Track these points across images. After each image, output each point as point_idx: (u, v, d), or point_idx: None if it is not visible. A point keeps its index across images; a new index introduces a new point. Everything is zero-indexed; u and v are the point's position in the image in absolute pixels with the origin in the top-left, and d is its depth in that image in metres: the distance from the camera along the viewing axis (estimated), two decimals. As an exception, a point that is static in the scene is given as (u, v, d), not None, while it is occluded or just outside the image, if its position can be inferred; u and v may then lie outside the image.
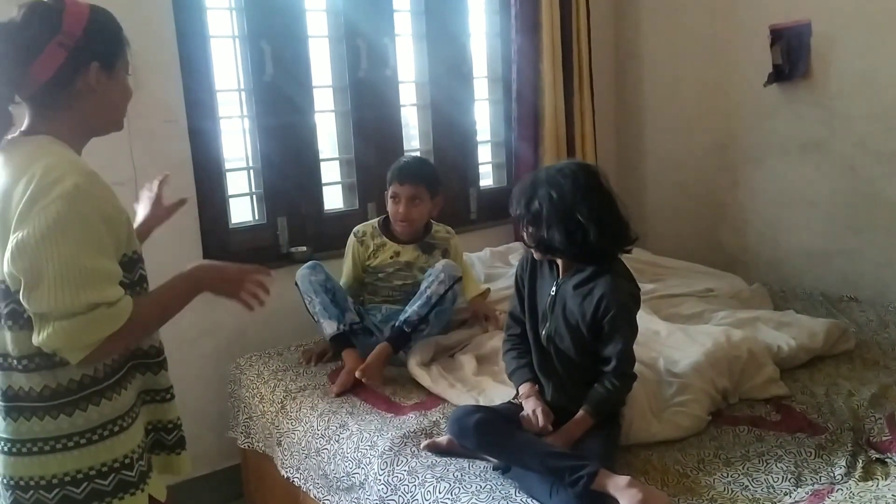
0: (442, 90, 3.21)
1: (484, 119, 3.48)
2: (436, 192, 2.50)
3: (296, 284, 2.45)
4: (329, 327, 2.36)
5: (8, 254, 1.22)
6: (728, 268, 3.22)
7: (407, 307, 2.38)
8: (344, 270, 2.62)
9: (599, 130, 3.51)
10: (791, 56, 3.00)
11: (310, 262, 2.49)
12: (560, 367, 1.87)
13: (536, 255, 1.89)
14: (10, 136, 1.34)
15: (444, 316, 2.43)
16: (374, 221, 2.61)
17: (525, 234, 1.85)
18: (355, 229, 2.61)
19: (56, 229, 1.21)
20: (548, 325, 1.87)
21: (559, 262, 1.87)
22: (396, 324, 2.35)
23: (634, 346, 1.96)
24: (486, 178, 3.53)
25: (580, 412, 1.80)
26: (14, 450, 1.31)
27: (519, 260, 2.03)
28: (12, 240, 1.21)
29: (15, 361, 1.29)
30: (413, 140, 3.30)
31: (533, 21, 3.23)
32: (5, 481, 1.32)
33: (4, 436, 1.31)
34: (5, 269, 1.24)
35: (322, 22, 2.93)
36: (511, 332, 2.02)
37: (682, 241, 3.53)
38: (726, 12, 3.25)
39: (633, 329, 1.84)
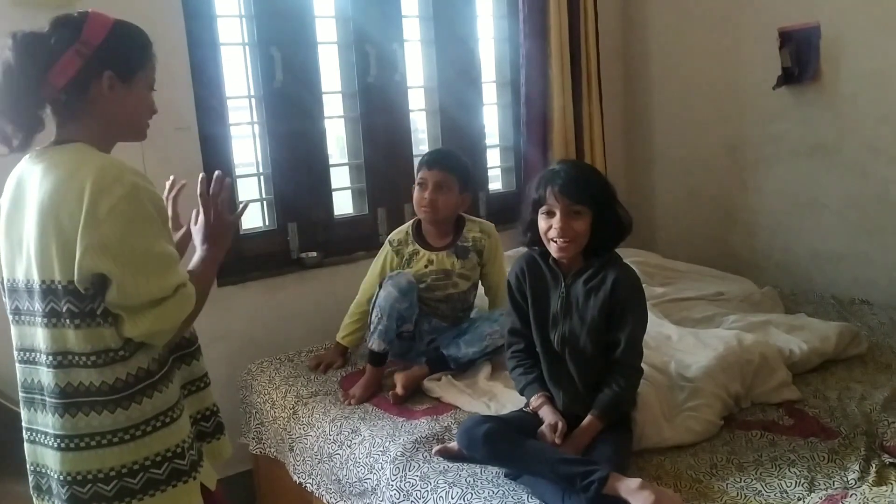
0: (451, 95, 3.21)
1: (492, 123, 3.49)
2: (465, 187, 2.41)
3: (379, 285, 2.37)
4: (377, 346, 2.29)
5: (87, 257, 1.27)
6: (739, 271, 3.21)
7: (462, 341, 2.33)
8: (368, 279, 2.54)
9: (608, 134, 3.51)
10: (800, 59, 3.00)
11: (406, 284, 2.30)
12: (574, 371, 1.86)
13: (569, 253, 1.81)
14: (41, 147, 1.40)
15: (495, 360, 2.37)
16: (408, 226, 2.51)
17: (580, 225, 1.79)
18: (390, 237, 2.52)
19: (132, 225, 1.30)
20: (560, 327, 1.87)
21: (561, 263, 1.87)
22: (445, 353, 2.32)
23: (646, 351, 1.96)
24: (495, 182, 3.53)
25: (588, 417, 1.80)
26: (72, 445, 1.35)
27: (510, 278, 1.97)
28: (88, 243, 1.27)
29: (82, 358, 1.33)
30: (422, 145, 3.30)
31: (541, 25, 3.23)
32: (61, 477, 1.36)
33: (61, 432, 1.35)
34: (76, 270, 1.28)
35: (331, 28, 2.94)
36: (515, 349, 1.99)
37: (693, 245, 3.52)
38: (734, 15, 3.25)
39: (644, 315, 1.87)
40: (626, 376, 1.83)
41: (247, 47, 2.73)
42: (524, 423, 1.86)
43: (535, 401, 1.88)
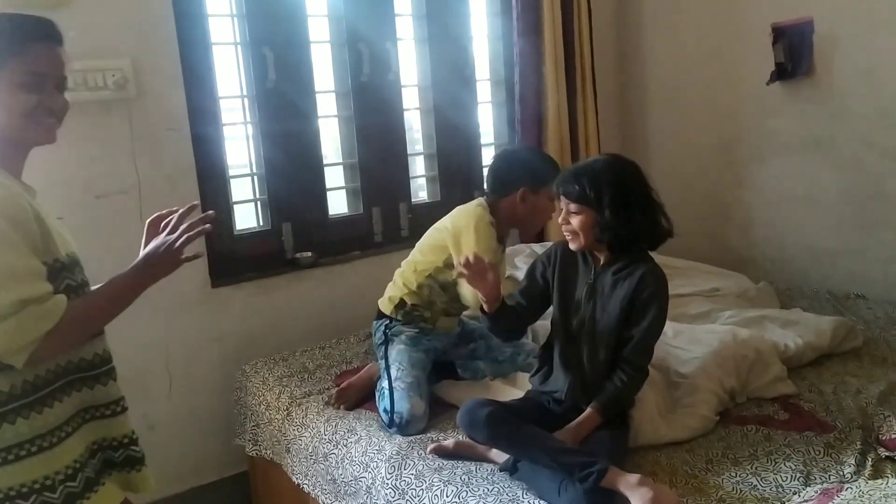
0: (445, 94, 3.21)
1: (487, 122, 3.48)
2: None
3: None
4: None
5: None
6: (734, 267, 3.21)
7: (477, 368, 2.29)
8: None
9: (603, 131, 3.51)
10: (794, 54, 3.00)
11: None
12: (587, 358, 1.87)
13: (575, 246, 1.86)
14: None
15: None
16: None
17: (578, 219, 1.81)
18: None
19: None
20: (581, 312, 1.88)
21: (595, 254, 1.89)
22: (460, 373, 2.30)
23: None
24: (491, 181, 3.52)
25: (588, 410, 1.80)
26: None
27: (540, 258, 2.01)
28: None
29: None
30: (417, 144, 3.30)
31: (534, 23, 3.23)
32: None
33: None
34: None
35: (324, 27, 2.93)
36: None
37: (688, 241, 3.49)
38: (728, 11, 3.24)
39: (662, 317, 1.86)
40: (631, 375, 1.83)
41: (239, 47, 2.72)
42: (525, 410, 1.86)
43: None
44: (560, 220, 1.86)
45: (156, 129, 2.47)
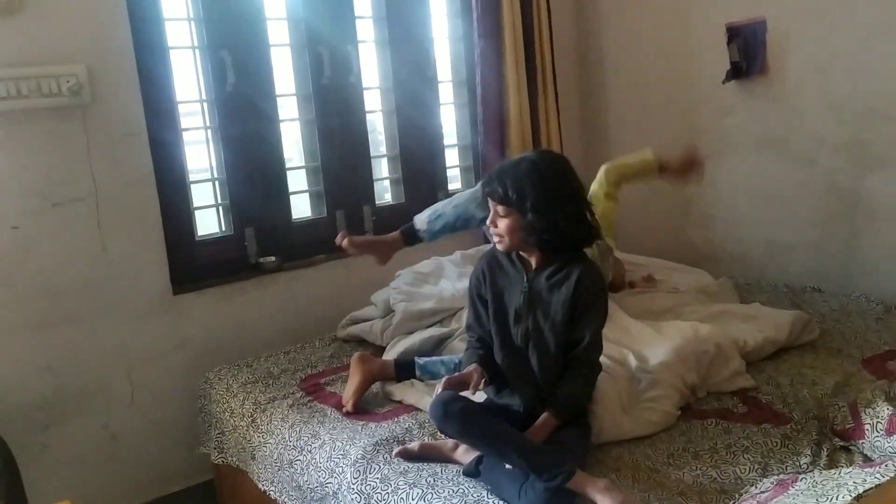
0: (407, 95, 3.21)
1: (450, 123, 3.49)
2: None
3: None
4: (420, 223, 2.47)
5: None
6: (696, 263, 3.26)
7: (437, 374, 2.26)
8: None
9: (565, 131, 3.54)
10: (748, 53, 3.05)
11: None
12: (536, 367, 1.84)
13: (502, 248, 1.84)
14: None
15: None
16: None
17: (504, 223, 1.80)
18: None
19: None
20: (523, 322, 1.85)
21: (524, 258, 1.86)
22: (418, 374, 2.30)
23: (605, 343, 1.98)
24: (455, 182, 3.53)
25: (544, 414, 1.77)
26: None
27: (471, 279, 1.96)
28: None
29: None
30: (381, 146, 3.30)
31: (494, 24, 3.24)
32: None
33: None
34: None
35: (283, 30, 2.92)
36: (470, 341, 1.96)
37: (650, 238, 3.56)
38: (684, 11, 3.29)
39: (604, 312, 1.86)
40: (585, 374, 1.83)
41: (196, 50, 2.70)
42: (492, 410, 1.86)
43: (469, 367, 1.83)
44: (488, 221, 1.84)
45: (113, 135, 2.44)
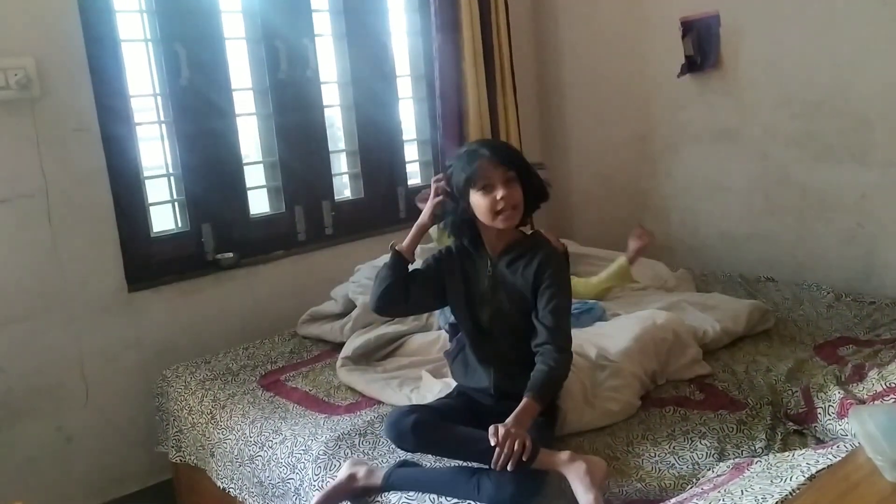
0: (365, 90, 3.19)
1: (409, 118, 3.48)
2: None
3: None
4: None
5: None
6: (654, 255, 3.28)
7: None
8: None
9: (523, 125, 3.56)
10: (702, 47, 3.11)
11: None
12: (506, 347, 1.86)
13: (515, 219, 1.80)
14: None
15: None
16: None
17: (517, 192, 1.78)
18: None
19: None
20: (487, 307, 1.87)
21: (492, 242, 1.85)
22: None
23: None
24: (414, 178, 3.53)
25: (524, 399, 1.71)
26: None
27: (440, 250, 1.95)
28: None
29: None
30: (339, 141, 3.27)
31: (452, 19, 3.24)
32: None
33: None
34: None
35: (239, 23, 2.87)
36: None
37: (608, 231, 3.60)
38: (639, 6, 3.34)
39: (569, 294, 1.86)
40: (557, 357, 1.77)
41: (149, 43, 2.64)
42: (454, 409, 1.86)
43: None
44: (501, 196, 1.75)
45: (63, 129, 2.38)
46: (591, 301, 2.61)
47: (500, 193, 1.74)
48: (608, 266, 2.77)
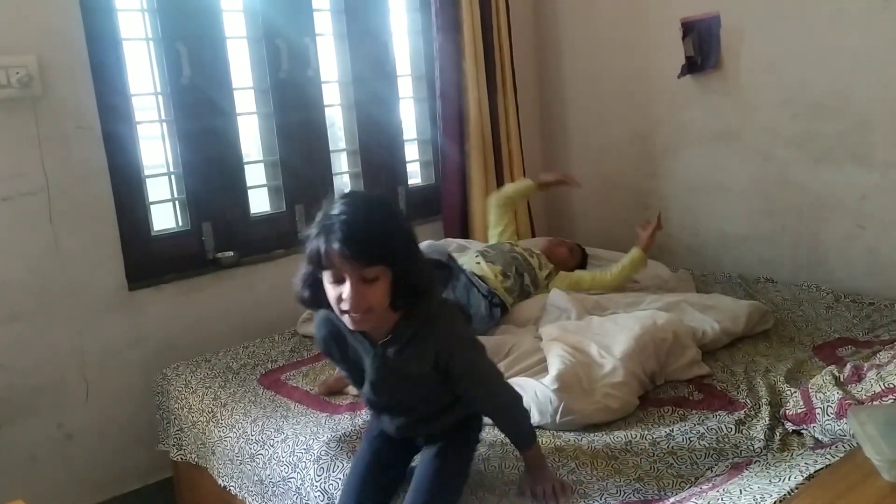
0: (366, 89, 3.20)
1: (409, 117, 3.49)
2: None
3: None
4: None
5: None
6: (653, 255, 3.29)
7: None
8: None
9: (524, 125, 3.57)
10: (702, 48, 3.11)
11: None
12: (410, 410, 1.68)
13: (368, 324, 1.48)
14: None
15: None
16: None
17: (377, 290, 1.41)
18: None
19: None
20: (383, 393, 1.65)
21: (367, 332, 1.55)
22: None
23: (566, 335, 2.00)
24: (414, 177, 3.53)
25: (525, 453, 1.67)
26: None
27: (316, 338, 1.68)
28: None
29: None
30: (339, 141, 3.28)
31: (454, 19, 3.25)
32: None
33: None
34: None
35: (240, 22, 2.88)
36: None
37: (609, 231, 3.61)
38: (640, 6, 3.34)
39: (483, 363, 1.64)
40: (507, 412, 1.67)
41: (151, 42, 2.65)
42: (378, 457, 1.72)
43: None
44: (345, 296, 1.38)
45: (64, 128, 2.39)
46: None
47: (345, 292, 1.37)
48: (618, 261, 2.86)
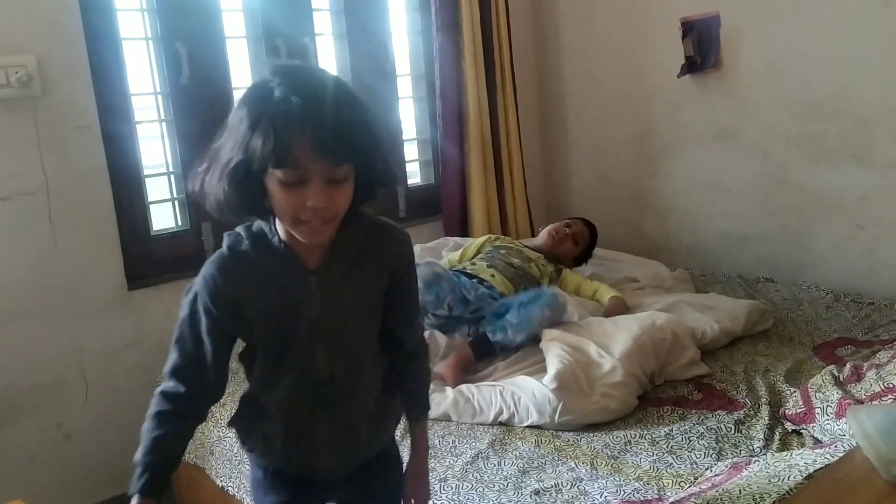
0: (365, 89, 3.19)
1: (409, 117, 3.49)
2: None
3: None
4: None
5: None
6: (653, 255, 3.31)
7: (509, 326, 2.26)
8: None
9: (523, 125, 3.56)
10: (702, 47, 3.11)
11: (431, 275, 2.34)
12: (350, 402, 1.26)
13: (328, 231, 1.13)
14: None
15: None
16: None
17: (343, 191, 1.10)
18: None
19: None
20: (323, 343, 1.22)
21: (302, 249, 1.18)
22: (492, 340, 2.29)
23: (563, 335, 1.98)
24: (414, 177, 3.53)
25: (417, 430, 1.40)
26: None
27: (195, 289, 1.29)
28: None
29: None
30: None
31: (453, 19, 3.25)
32: None
33: None
34: None
35: (239, 22, 2.88)
36: (169, 393, 1.32)
37: (609, 230, 3.60)
38: (639, 6, 3.34)
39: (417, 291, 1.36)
40: (423, 361, 1.39)
41: (150, 42, 2.65)
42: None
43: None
44: (311, 203, 1.07)
45: (64, 127, 2.39)
46: (544, 288, 2.53)
47: (311, 199, 1.06)
48: (603, 289, 2.79)
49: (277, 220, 1.17)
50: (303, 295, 1.19)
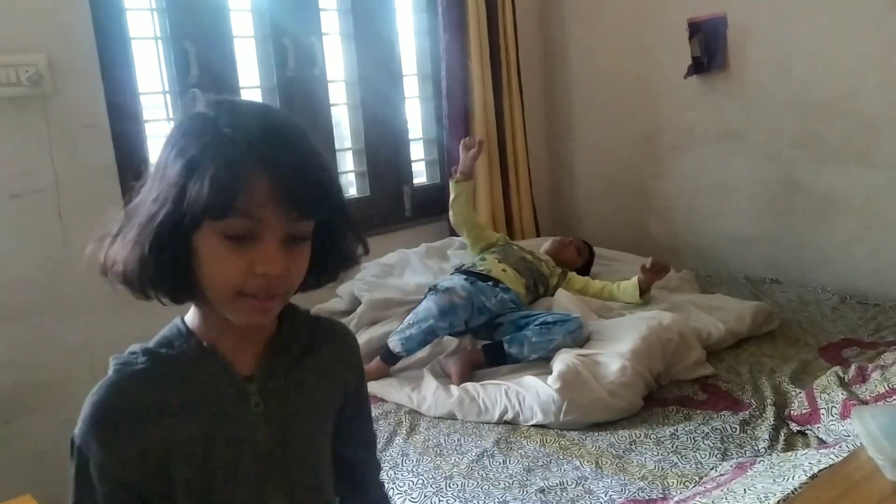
0: (372, 89, 3.21)
1: (415, 117, 3.50)
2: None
3: (430, 289, 2.48)
4: (395, 346, 2.34)
5: None
6: (658, 255, 3.30)
7: (526, 341, 2.27)
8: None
9: (529, 125, 3.57)
10: (709, 48, 3.11)
11: (448, 305, 2.33)
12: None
13: (279, 305, 0.85)
14: None
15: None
16: None
17: (303, 253, 0.85)
18: None
19: None
20: (259, 478, 0.89)
21: (224, 354, 0.90)
22: (506, 350, 2.30)
23: (568, 342, 1.99)
24: (420, 176, 3.54)
25: None
26: None
27: (75, 442, 0.92)
28: None
29: None
30: (345, 140, 3.29)
31: (460, 19, 3.26)
32: None
33: None
34: None
35: (247, 21, 2.89)
36: None
37: (614, 231, 3.62)
38: (646, 7, 3.34)
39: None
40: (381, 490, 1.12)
41: (159, 41, 2.66)
42: None
43: None
44: (267, 266, 0.80)
45: (73, 126, 2.40)
46: (572, 314, 2.45)
47: (263, 262, 0.80)
48: (621, 280, 2.80)
49: (190, 316, 0.92)
50: (240, 413, 0.88)
